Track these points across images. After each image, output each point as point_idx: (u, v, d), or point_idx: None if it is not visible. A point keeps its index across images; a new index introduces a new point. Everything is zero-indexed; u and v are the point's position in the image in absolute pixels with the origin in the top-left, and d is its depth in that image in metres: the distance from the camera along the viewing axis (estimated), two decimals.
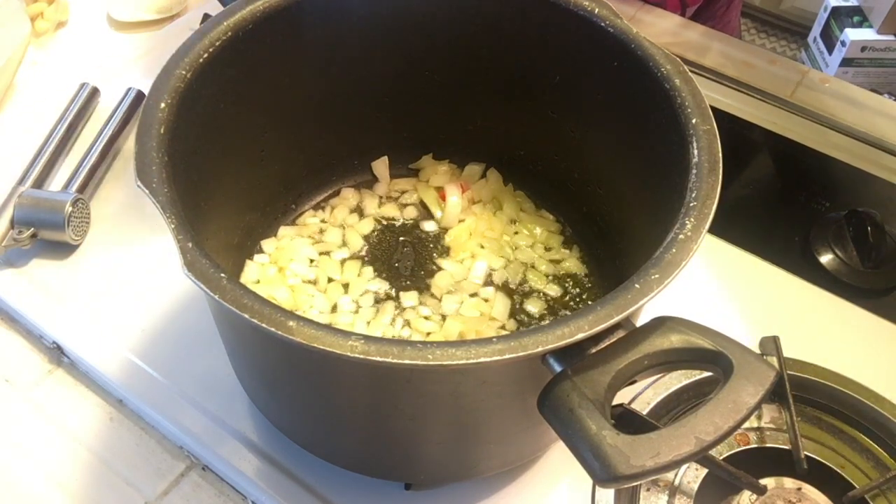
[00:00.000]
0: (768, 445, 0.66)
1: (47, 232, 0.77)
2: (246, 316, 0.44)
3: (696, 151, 0.53)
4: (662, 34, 1.04)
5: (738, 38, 1.16)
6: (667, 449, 0.42)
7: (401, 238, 0.77)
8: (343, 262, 0.74)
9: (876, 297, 0.79)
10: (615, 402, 0.46)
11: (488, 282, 0.74)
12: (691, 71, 0.58)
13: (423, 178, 0.81)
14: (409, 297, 0.72)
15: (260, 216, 0.74)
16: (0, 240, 0.76)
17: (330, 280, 0.73)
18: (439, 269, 0.74)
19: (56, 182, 0.84)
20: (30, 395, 0.71)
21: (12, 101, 0.94)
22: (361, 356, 0.43)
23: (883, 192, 0.89)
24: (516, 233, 0.77)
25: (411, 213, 0.79)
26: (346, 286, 0.73)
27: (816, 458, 0.65)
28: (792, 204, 0.88)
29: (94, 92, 0.91)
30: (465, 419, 0.52)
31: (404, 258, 0.75)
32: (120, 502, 0.65)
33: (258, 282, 0.71)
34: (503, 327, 0.70)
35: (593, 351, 0.46)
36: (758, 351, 0.71)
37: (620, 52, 0.60)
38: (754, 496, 0.62)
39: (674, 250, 0.48)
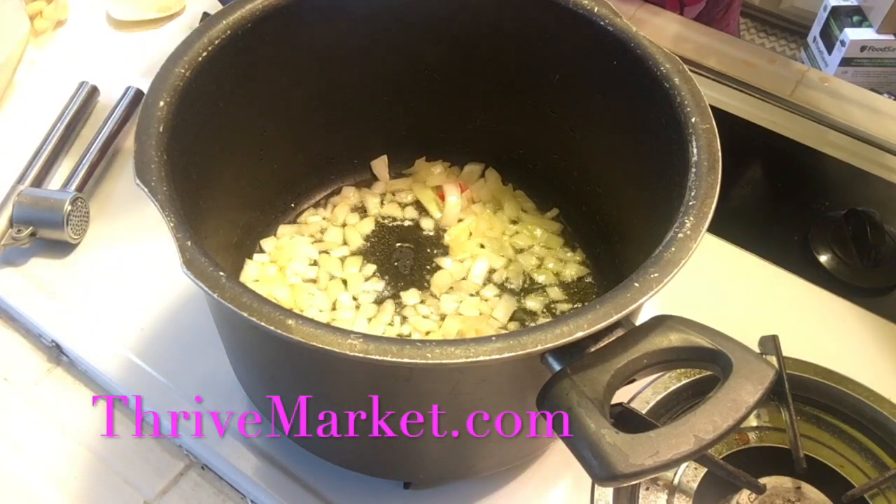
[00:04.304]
0: (767, 445, 0.66)
1: (46, 231, 0.77)
2: (245, 314, 0.44)
3: (695, 150, 0.53)
4: (662, 33, 1.04)
5: None
6: (666, 448, 0.42)
7: (400, 237, 0.77)
8: (343, 259, 0.74)
9: (875, 296, 0.79)
10: (614, 400, 0.46)
11: (489, 281, 0.74)
12: (691, 70, 0.58)
13: (420, 180, 0.80)
14: (409, 296, 0.72)
15: (259, 214, 0.74)
16: None
17: (331, 277, 0.73)
18: (439, 268, 0.74)
19: (55, 181, 0.84)
20: (29, 394, 0.71)
21: (11, 99, 0.93)
22: (361, 355, 0.43)
23: (882, 191, 0.89)
24: (516, 233, 0.77)
25: (411, 212, 0.78)
26: (345, 282, 0.72)
27: (815, 457, 0.65)
28: (791, 203, 0.88)
29: (93, 90, 0.91)
30: (464, 418, 0.52)
31: (404, 257, 0.75)
32: (119, 501, 0.65)
33: (258, 281, 0.71)
34: (504, 327, 0.70)
35: (592, 350, 0.46)
36: (757, 350, 0.71)
37: (620, 50, 0.60)
38: (753, 495, 0.62)
39: (673, 249, 0.48)
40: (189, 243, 0.47)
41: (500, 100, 0.74)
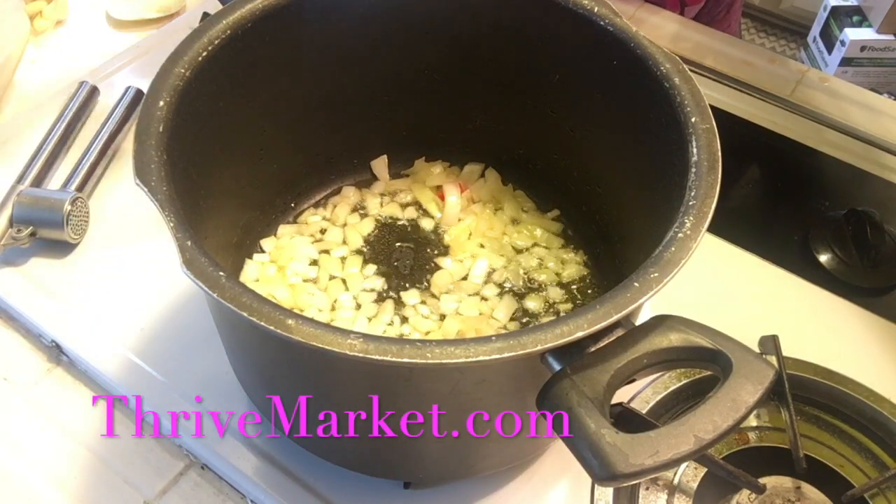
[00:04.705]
0: (767, 445, 0.66)
1: (46, 230, 0.77)
2: (244, 314, 0.44)
3: (695, 150, 0.53)
4: (662, 33, 1.04)
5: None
6: (666, 447, 0.42)
7: (400, 237, 0.77)
8: (343, 259, 0.74)
9: (875, 295, 0.79)
10: (614, 400, 0.46)
11: (489, 281, 0.74)
12: (691, 70, 0.58)
13: (419, 180, 0.80)
14: (409, 296, 0.72)
15: (259, 214, 0.74)
16: None
17: (331, 277, 0.73)
18: (439, 268, 0.74)
19: (55, 181, 0.84)
20: (29, 393, 0.71)
21: (11, 99, 0.94)
22: (360, 354, 0.43)
23: (882, 191, 0.89)
24: (516, 233, 0.77)
25: (411, 212, 0.78)
26: (345, 282, 0.72)
27: (815, 457, 0.65)
28: (791, 203, 0.88)
29: (93, 90, 0.91)
30: (464, 417, 0.52)
31: (404, 257, 0.75)
32: (119, 501, 0.65)
33: (258, 281, 0.71)
34: (504, 327, 0.70)
35: (592, 350, 0.46)
36: (757, 350, 0.71)
37: (620, 50, 0.60)
38: (753, 495, 0.62)
39: (673, 249, 0.48)
40: (189, 243, 0.47)
41: (500, 100, 0.74)
